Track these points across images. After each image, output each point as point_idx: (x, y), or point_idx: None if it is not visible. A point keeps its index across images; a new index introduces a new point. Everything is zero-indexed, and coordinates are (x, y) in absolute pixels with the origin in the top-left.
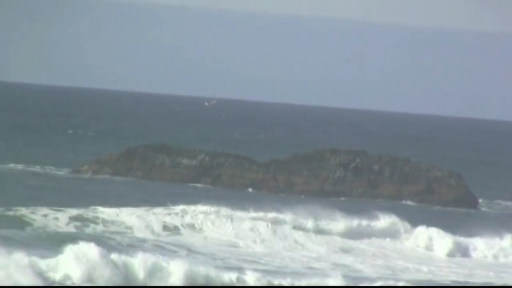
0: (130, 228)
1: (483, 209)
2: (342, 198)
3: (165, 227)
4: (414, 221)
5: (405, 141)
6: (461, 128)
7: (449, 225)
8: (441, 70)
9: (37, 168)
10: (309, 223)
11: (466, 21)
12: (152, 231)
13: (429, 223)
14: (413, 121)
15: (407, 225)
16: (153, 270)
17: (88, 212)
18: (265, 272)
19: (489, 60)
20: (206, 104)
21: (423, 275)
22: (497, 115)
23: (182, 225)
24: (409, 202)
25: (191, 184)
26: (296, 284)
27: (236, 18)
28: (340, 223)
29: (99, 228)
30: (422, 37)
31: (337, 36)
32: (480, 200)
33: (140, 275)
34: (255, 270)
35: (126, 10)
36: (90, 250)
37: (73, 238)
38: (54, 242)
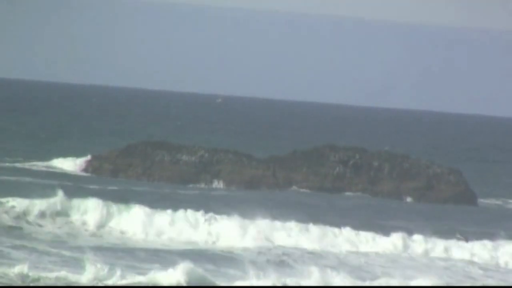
0: None
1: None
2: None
3: None
4: None
5: (408, 137)
6: (463, 124)
7: None
8: (443, 68)
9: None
10: None
11: (467, 19)
12: None
13: None
14: (415, 117)
15: None
16: None
17: None
18: None
19: (491, 57)
20: (218, 101)
21: None
22: (498, 112)
23: None
24: (409, 199)
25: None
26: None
27: (238, 16)
28: None
29: None
30: (422, 35)
31: (340, 34)
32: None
33: None
34: None
35: (127, 7)
36: None
37: None
38: None
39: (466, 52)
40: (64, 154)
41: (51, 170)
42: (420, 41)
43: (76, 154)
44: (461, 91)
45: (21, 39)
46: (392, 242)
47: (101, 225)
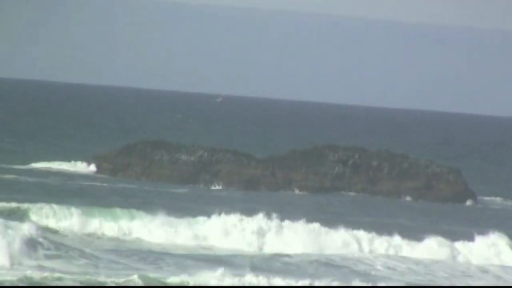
0: None
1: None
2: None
3: None
4: None
5: (408, 136)
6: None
7: None
8: (443, 67)
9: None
10: None
11: (465, 18)
12: None
13: None
14: (413, 116)
15: None
16: None
17: None
18: None
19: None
20: (218, 100)
21: None
22: (498, 112)
23: None
24: (408, 198)
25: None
26: (297, 284)
27: (239, 16)
28: None
29: None
30: (420, 34)
31: (341, 34)
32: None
33: None
34: None
35: (127, 6)
36: None
37: None
38: None
39: (467, 52)
40: (64, 154)
41: (52, 170)
42: (421, 40)
43: (75, 154)
44: (461, 91)
45: (21, 39)
46: None
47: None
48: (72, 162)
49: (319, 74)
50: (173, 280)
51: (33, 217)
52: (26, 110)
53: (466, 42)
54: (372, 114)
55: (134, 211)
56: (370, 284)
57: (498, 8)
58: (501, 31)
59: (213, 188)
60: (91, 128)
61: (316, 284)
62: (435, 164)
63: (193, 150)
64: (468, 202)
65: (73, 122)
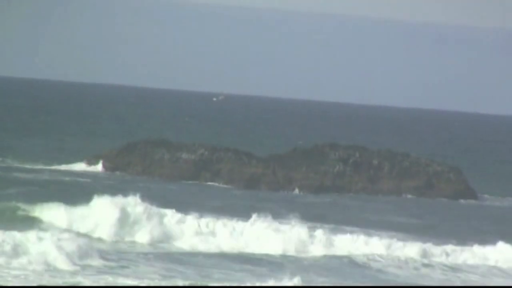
0: None
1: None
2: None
3: None
4: None
5: (409, 135)
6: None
7: None
8: (442, 66)
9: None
10: None
11: (465, 17)
12: None
13: None
14: (413, 115)
15: None
16: None
17: None
18: None
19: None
20: (214, 99)
21: None
22: (498, 110)
23: None
24: (409, 197)
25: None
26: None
27: (240, 15)
28: None
29: None
30: (421, 33)
31: (340, 32)
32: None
33: None
34: None
35: (128, 4)
36: None
37: None
38: None
39: (467, 51)
40: (64, 153)
41: (52, 169)
42: (422, 39)
43: (76, 153)
44: (461, 89)
45: (21, 37)
46: None
47: None
48: (72, 162)
49: (320, 73)
50: None
51: (45, 217)
52: (26, 109)
53: (467, 40)
54: (373, 113)
55: None
56: (370, 284)
57: (499, 7)
58: (502, 30)
59: (210, 184)
60: (92, 127)
61: (317, 284)
62: (436, 163)
63: (194, 148)
64: (469, 201)
65: (73, 120)
